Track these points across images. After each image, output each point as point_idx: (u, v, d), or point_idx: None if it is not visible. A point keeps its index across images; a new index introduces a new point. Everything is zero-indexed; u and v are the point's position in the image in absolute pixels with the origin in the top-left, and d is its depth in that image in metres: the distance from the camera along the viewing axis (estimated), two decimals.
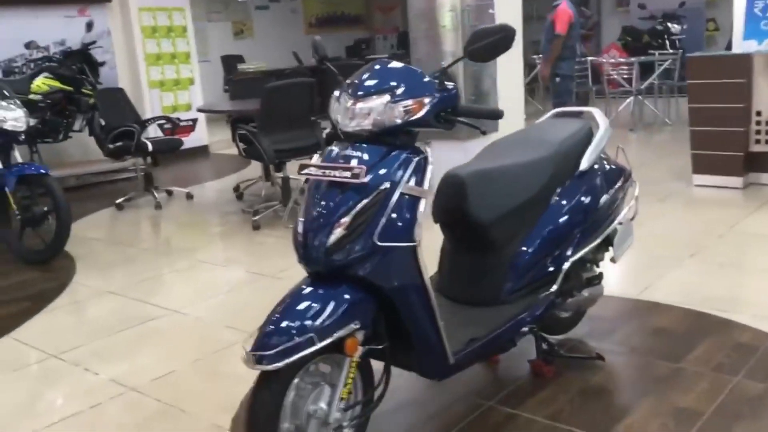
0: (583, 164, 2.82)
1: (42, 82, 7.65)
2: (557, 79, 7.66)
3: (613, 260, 2.95)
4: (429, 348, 2.27)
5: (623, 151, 3.10)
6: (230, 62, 11.93)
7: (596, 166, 2.92)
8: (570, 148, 2.80)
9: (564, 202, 2.76)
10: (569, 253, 2.71)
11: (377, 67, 2.25)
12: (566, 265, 2.68)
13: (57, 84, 7.68)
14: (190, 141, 9.24)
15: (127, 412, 2.85)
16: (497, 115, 2.24)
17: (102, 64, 8.33)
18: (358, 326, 2.10)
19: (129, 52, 8.92)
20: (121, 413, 2.84)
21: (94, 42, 8.08)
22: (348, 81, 2.25)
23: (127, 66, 8.92)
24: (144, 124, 6.86)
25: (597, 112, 3.02)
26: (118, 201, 6.63)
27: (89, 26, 7.91)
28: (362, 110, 2.16)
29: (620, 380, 2.85)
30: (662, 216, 5.15)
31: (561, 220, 2.72)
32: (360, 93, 2.18)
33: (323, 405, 2.16)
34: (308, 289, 2.17)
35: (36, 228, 5.00)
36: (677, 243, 4.45)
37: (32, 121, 5.36)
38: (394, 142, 2.20)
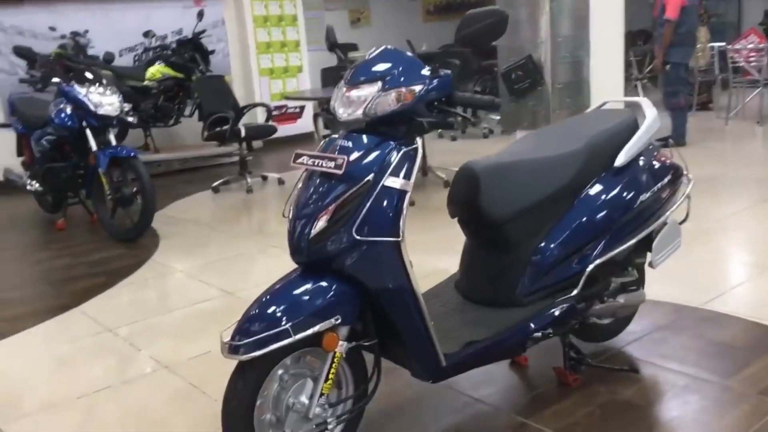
0: (620, 159, 2.58)
1: (156, 70, 8.10)
2: (668, 67, 7.15)
3: (651, 265, 2.69)
4: (419, 348, 2.17)
5: (675, 146, 2.82)
6: (343, 50, 12.05)
7: (641, 162, 2.67)
8: (605, 142, 2.58)
9: (594, 200, 2.54)
10: (595, 254, 2.50)
11: (375, 54, 2.18)
12: (590, 268, 2.47)
13: (170, 71, 8.11)
14: (296, 128, 9.47)
15: (152, 389, 2.94)
16: (494, 105, 2.10)
17: (212, 52, 8.67)
18: (338, 321, 2.05)
19: (241, 40, 9.23)
20: (147, 390, 2.94)
21: (204, 31, 8.42)
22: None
23: (239, 54, 9.25)
24: (241, 110, 7.08)
25: (646, 103, 2.76)
26: (214, 184, 6.90)
27: (200, 16, 8.25)
28: (358, 98, 2.11)
29: (652, 396, 2.60)
30: (761, 218, 4.69)
31: (588, 218, 2.51)
32: (354, 80, 2.13)
33: (304, 399, 2.13)
34: (292, 282, 2.16)
35: (126, 208, 5.29)
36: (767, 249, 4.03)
37: (127, 107, 5.66)
38: (393, 132, 2.12)
